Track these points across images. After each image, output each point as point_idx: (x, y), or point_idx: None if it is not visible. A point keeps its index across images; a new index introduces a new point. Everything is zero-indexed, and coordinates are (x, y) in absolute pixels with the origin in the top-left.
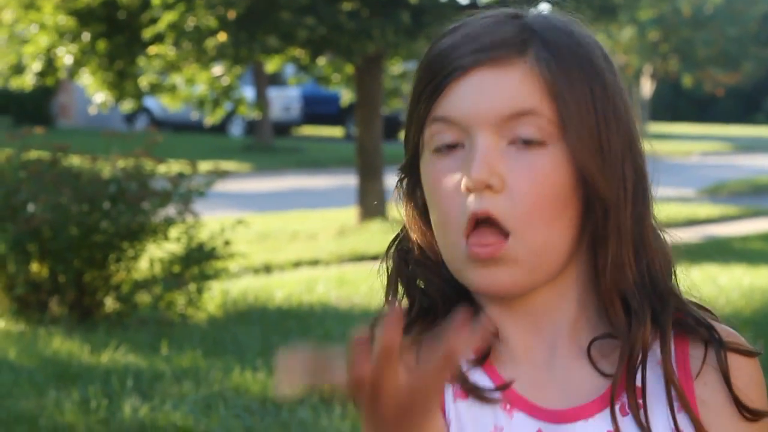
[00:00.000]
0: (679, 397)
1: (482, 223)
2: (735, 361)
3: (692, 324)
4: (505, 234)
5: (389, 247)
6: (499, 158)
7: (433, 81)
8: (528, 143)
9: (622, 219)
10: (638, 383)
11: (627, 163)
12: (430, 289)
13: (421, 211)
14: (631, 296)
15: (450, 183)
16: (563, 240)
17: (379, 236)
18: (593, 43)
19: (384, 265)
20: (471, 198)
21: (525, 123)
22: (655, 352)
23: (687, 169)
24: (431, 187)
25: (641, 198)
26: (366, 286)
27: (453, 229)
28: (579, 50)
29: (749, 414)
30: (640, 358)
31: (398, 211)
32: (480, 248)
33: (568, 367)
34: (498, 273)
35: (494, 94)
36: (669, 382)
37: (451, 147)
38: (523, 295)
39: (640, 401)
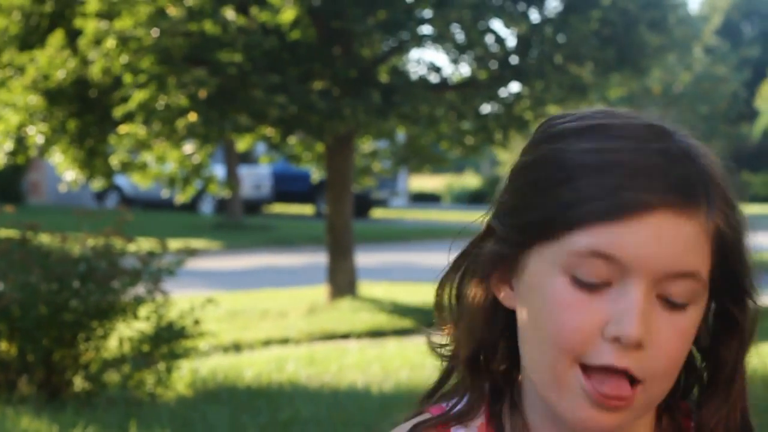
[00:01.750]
0: None
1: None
2: None
3: None
4: (634, 383)
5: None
6: (651, 311)
7: (601, 207)
8: (674, 304)
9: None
10: None
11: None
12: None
13: (491, 309)
14: None
15: (588, 318)
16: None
17: (349, 315)
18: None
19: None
20: (612, 349)
21: (681, 284)
22: None
23: None
24: (554, 305)
25: None
26: (336, 365)
27: (569, 357)
28: (729, 186)
29: None
30: None
31: (449, 293)
32: (612, 401)
33: None
34: (611, 416)
35: (670, 247)
36: None
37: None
38: None
39: None
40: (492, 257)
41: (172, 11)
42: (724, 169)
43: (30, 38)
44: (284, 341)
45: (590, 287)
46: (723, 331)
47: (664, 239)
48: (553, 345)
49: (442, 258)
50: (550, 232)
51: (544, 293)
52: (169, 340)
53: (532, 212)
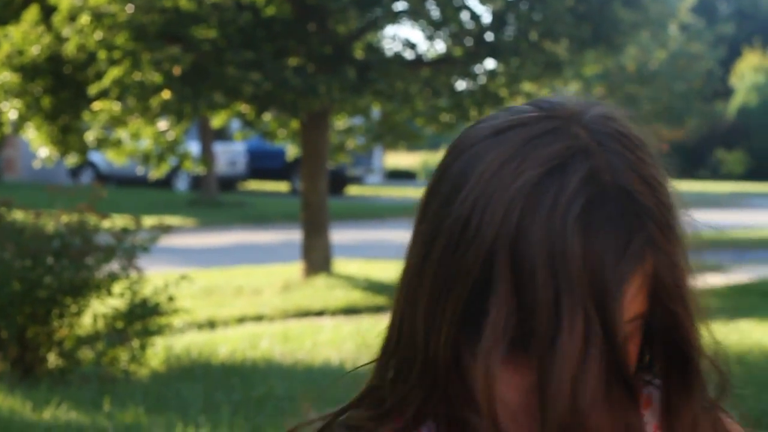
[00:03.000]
0: None
1: None
2: None
3: None
4: None
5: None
6: None
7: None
8: None
9: None
10: None
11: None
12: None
13: None
14: None
15: None
16: None
17: (324, 292)
18: (659, 167)
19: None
20: None
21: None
22: None
23: None
24: None
25: None
26: (310, 341)
27: None
28: (670, 208)
29: None
30: None
31: None
32: None
33: None
34: None
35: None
36: None
37: None
38: None
39: None
40: None
41: None
42: (660, 166)
43: (4, 14)
44: (259, 318)
45: None
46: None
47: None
48: None
49: None
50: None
51: None
52: (143, 317)
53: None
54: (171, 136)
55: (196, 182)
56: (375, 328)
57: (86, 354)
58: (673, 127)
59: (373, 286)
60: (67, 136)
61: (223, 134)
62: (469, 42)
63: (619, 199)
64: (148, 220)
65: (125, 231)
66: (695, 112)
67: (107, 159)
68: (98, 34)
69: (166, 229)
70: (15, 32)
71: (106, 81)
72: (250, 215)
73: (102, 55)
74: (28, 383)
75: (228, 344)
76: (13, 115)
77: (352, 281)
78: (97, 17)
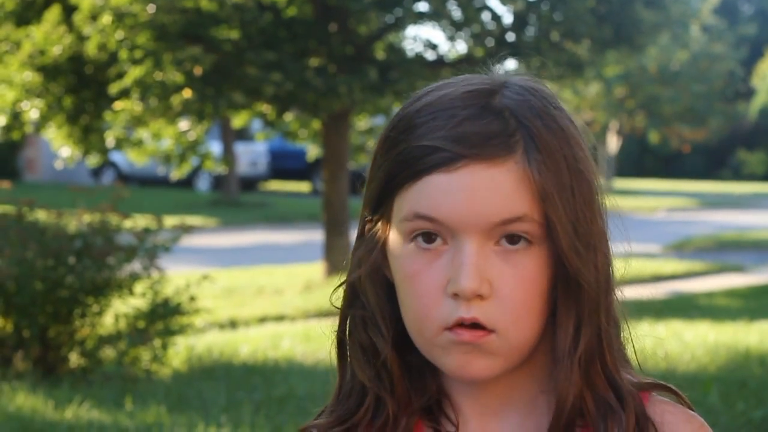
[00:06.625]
0: None
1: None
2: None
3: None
4: (489, 331)
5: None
6: (487, 262)
7: (414, 164)
8: (512, 250)
9: (601, 303)
10: None
11: (600, 252)
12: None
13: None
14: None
15: (432, 281)
16: (538, 330)
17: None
18: (570, 124)
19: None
20: (458, 304)
21: (514, 228)
22: None
23: (653, 224)
24: (407, 276)
25: (610, 282)
26: (332, 342)
27: (432, 324)
28: (564, 143)
29: None
30: None
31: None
32: (466, 333)
33: None
34: (476, 360)
35: (486, 198)
36: None
37: (433, 240)
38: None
39: None
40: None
41: None
42: (566, 126)
43: (26, 14)
44: (280, 318)
45: (429, 249)
46: (562, 280)
47: (478, 195)
48: (413, 311)
49: None
50: (385, 200)
51: (399, 262)
52: (164, 317)
53: (372, 185)
54: (192, 136)
55: (218, 182)
56: None
57: (108, 353)
58: (694, 128)
59: None
60: (88, 135)
61: (244, 134)
62: (490, 42)
63: (497, 113)
64: (170, 220)
65: (147, 231)
66: (717, 113)
67: (128, 159)
68: (120, 34)
69: (188, 229)
70: (37, 32)
71: (128, 81)
72: (271, 215)
73: (123, 54)
74: (50, 382)
75: (249, 344)
76: (34, 114)
77: None
78: (119, 17)
